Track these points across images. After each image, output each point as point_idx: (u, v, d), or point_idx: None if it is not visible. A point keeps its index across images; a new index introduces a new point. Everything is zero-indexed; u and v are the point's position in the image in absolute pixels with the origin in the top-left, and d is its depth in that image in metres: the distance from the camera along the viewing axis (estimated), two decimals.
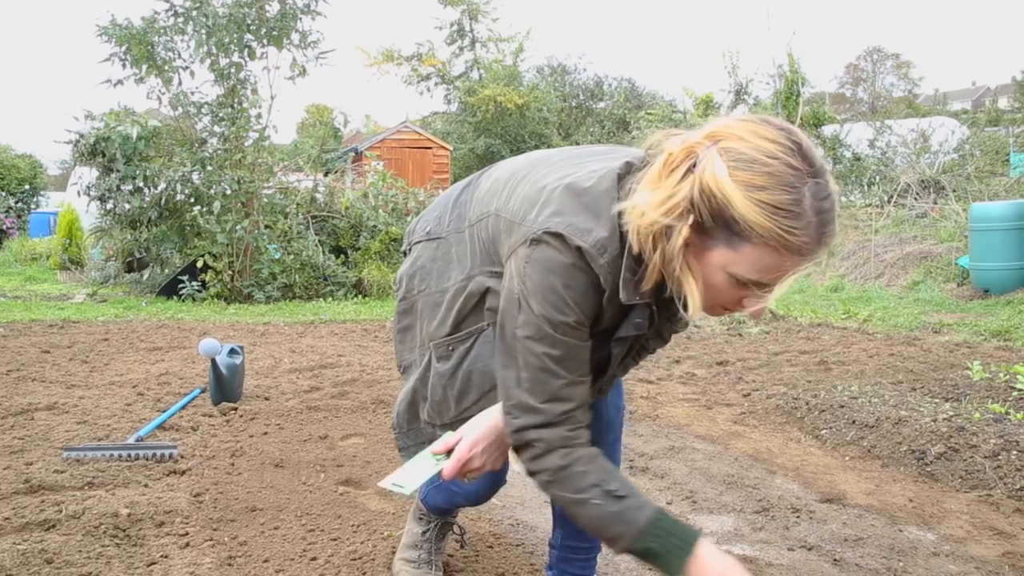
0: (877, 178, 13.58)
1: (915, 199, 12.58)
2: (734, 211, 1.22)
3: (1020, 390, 3.99)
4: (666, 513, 1.39)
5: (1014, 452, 2.99)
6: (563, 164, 1.51)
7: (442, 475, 1.54)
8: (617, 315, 1.46)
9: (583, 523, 1.42)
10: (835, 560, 2.29)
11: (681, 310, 1.34)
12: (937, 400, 3.89)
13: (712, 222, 1.25)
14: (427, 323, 1.69)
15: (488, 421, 1.55)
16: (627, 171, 1.39)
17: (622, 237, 1.35)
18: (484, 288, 1.57)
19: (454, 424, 1.63)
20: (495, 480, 1.83)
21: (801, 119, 13.98)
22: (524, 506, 2.72)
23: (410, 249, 1.79)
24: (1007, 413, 3.51)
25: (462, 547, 2.26)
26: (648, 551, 1.36)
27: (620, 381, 1.86)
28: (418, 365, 1.72)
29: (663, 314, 1.50)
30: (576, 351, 1.41)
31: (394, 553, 2.17)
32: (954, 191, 12.25)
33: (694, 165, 1.26)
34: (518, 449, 1.46)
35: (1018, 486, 2.83)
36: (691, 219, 1.26)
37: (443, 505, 2.04)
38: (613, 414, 1.84)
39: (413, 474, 1.56)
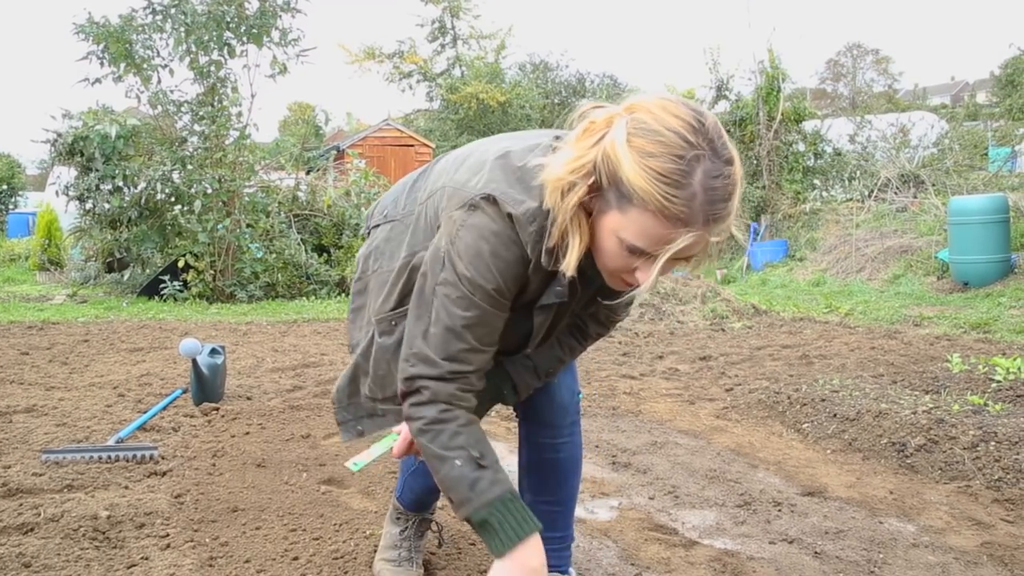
0: (858, 173, 13.68)
1: (895, 193, 12.68)
2: (623, 173, 1.28)
3: (999, 382, 4.03)
4: (517, 497, 1.46)
5: (992, 443, 3.02)
6: (505, 140, 1.59)
7: (392, 452, 1.66)
8: (541, 286, 1.52)
9: (439, 479, 1.48)
10: (816, 553, 2.30)
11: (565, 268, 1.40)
12: (917, 393, 3.92)
13: (607, 184, 1.32)
14: (375, 299, 1.74)
15: None
16: (555, 143, 1.45)
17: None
18: None
19: (396, 398, 1.68)
20: None
21: (782, 114, 14.03)
22: None
23: (369, 233, 1.85)
24: (986, 405, 3.55)
25: (440, 545, 2.26)
26: (485, 523, 1.43)
27: (574, 365, 1.91)
28: (363, 341, 1.76)
29: (587, 287, 1.57)
30: (488, 319, 1.47)
31: (375, 553, 2.16)
32: (933, 185, 12.35)
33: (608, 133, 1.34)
34: (406, 395, 1.51)
35: (996, 477, 2.86)
36: (591, 180, 1.33)
37: (421, 493, 2.04)
38: (567, 396, 1.88)
39: (370, 453, 1.73)
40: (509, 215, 1.41)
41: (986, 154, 14.89)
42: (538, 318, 1.59)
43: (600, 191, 1.34)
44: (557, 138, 1.47)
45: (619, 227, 1.32)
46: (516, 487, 1.55)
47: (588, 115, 1.38)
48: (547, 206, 1.39)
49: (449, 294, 1.44)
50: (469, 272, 1.42)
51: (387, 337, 1.68)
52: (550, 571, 1.92)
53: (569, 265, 1.38)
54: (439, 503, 2.50)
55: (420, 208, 1.66)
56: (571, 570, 2.01)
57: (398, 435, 1.69)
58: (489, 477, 1.45)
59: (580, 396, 1.94)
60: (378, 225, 1.81)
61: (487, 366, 1.53)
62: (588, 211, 1.37)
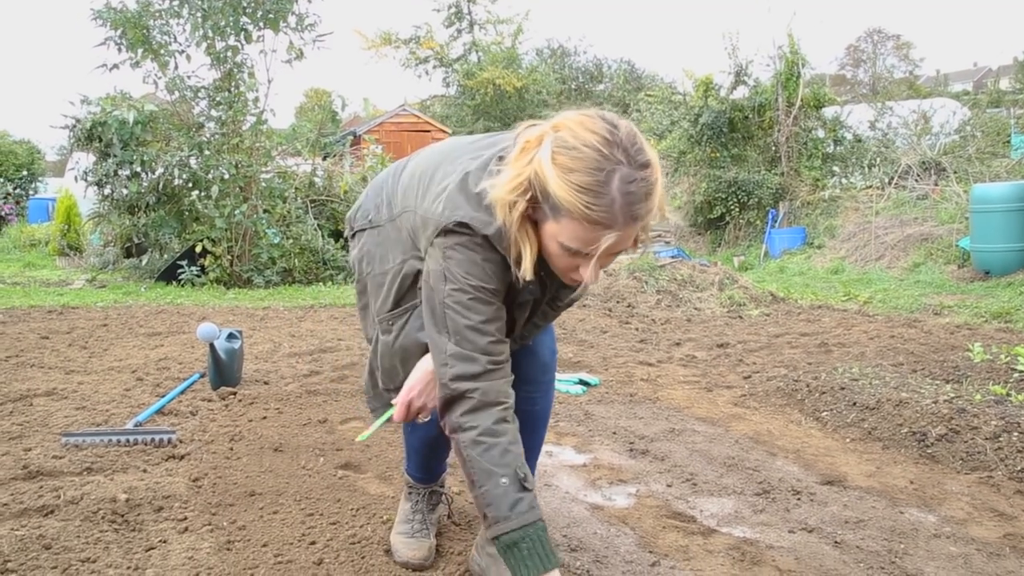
0: (878, 160, 13.53)
1: (916, 181, 12.53)
2: (550, 188, 1.47)
3: (1021, 372, 3.98)
4: (546, 528, 1.56)
5: (1015, 434, 2.98)
6: (463, 159, 1.74)
7: (394, 418, 1.84)
8: (519, 286, 1.71)
9: (478, 492, 1.57)
10: (836, 542, 2.28)
11: (518, 271, 1.59)
12: (938, 382, 3.88)
13: (542, 197, 1.50)
14: (375, 301, 1.94)
15: (419, 370, 1.81)
16: (498, 164, 1.62)
17: None
18: (416, 270, 1.81)
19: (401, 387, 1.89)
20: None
21: (801, 100, 13.88)
22: None
23: (354, 235, 2.05)
24: (1008, 395, 3.51)
25: (449, 517, 2.33)
26: (515, 546, 1.53)
27: (551, 328, 2.11)
28: (374, 339, 1.97)
29: (553, 281, 1.76)
30: (498, 312, 1.66)
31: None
32: (955, 172, 12.20)
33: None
34: (450, 403, 1.62)
35: (1019, 467, 2.82)
36: (529, 195, 1.51)
37: (423, 456, 2.16)
38: (548, 356, 2.08)
39: (374, 425, 1.96)
40: (485, 236, 1.60)
41: (1009, 141, 14.67)
42: (517, 312, 1.79)
43: (538, 203, 1.52)
44: (502, 153, 1.63)
45: (556, 233, 1.52)
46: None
47: (524, 134, 1.57)
48: (499, 223, 1.57)
49: (461, 300, 1.61)
50: (472, 280, 1.61)
51: (388, 335, 1.89)
52: None
53: (526, 271, 1.57)
54: (450, 485, 2.50)
55: (397, 221, 1.87)
56: None
57: (395, 405, 1.85)
58: (529, 500, 1.55)
59: (556, 356, 2.12)
60: (363, 229, 1.99)
61: (510, 355, 1.69)
62: (533, 220, 1.56)
